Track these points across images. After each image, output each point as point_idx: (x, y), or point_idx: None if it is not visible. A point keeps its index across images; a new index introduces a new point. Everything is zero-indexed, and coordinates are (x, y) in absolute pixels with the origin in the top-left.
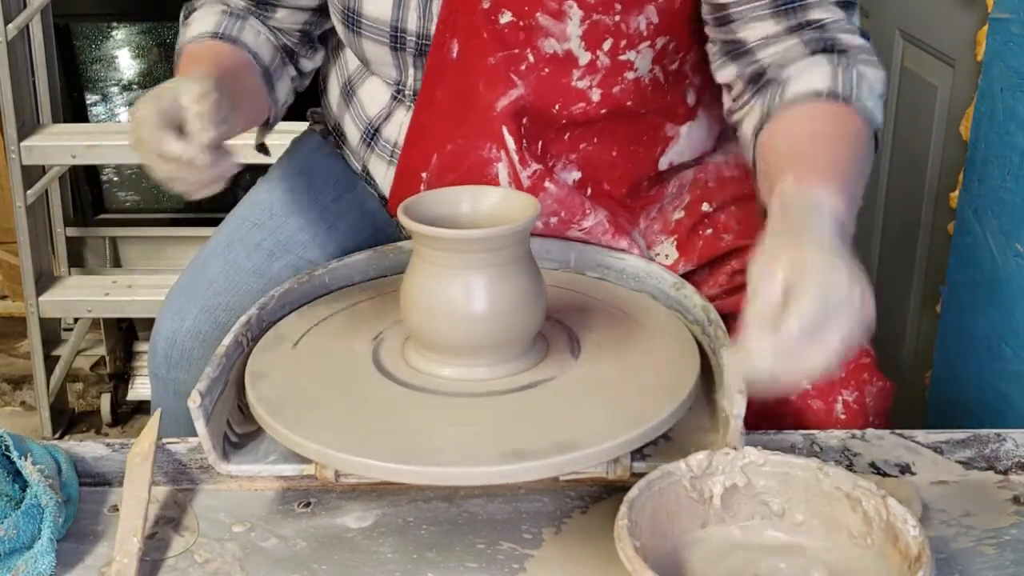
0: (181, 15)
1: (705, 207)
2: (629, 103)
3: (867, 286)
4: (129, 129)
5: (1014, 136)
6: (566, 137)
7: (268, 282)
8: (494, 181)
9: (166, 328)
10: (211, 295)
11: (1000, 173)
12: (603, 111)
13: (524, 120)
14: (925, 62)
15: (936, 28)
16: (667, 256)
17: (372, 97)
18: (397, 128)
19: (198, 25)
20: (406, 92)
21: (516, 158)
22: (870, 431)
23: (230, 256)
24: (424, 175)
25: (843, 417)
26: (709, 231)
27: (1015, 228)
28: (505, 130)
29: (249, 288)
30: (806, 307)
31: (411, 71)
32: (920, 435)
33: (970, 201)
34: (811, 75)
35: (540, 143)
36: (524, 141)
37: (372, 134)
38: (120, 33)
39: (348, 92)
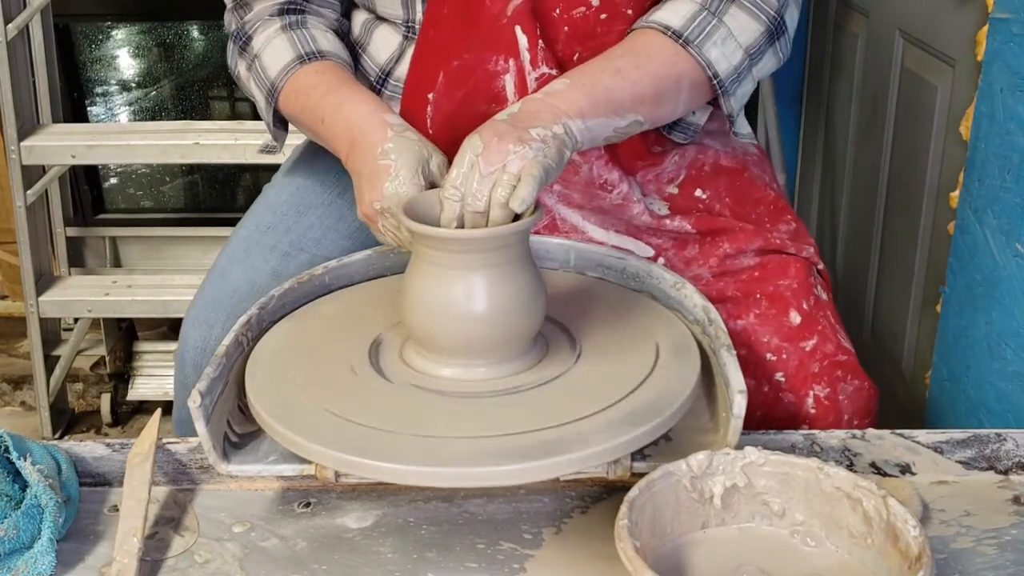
0: (231, 44)
1: (698, 192)
2: (628, 11)
3: (496, 132)
4: (387, 202)
5: (1014, 136)
6: (575, 58)
7: None
8: (501, 95)
9: (195, 338)
10: (235, 302)
11: (1000, 173)
12: (603, 15)
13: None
14: (925, 62)
15: (936, 28)
16: (659, 209)
17: (381, 46)
18: (408, 66)
19: (272, 54)
20: (416, 28)
21: (527, 57)
22: (870, 431)
23: (248, 261)
24: (431, 96)
25: (813, 411)
26: (702, 212)
27: (1015, 228)
28: (519, 29)
29: (269, 290)
30: (453, 171)
31: (419, 5)
32: (920, 435)
33: (970, 201)
34: (674, 9)
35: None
36: (540, 41)
37: (383, 79)
38: (120, 33)
39: (355, 54)
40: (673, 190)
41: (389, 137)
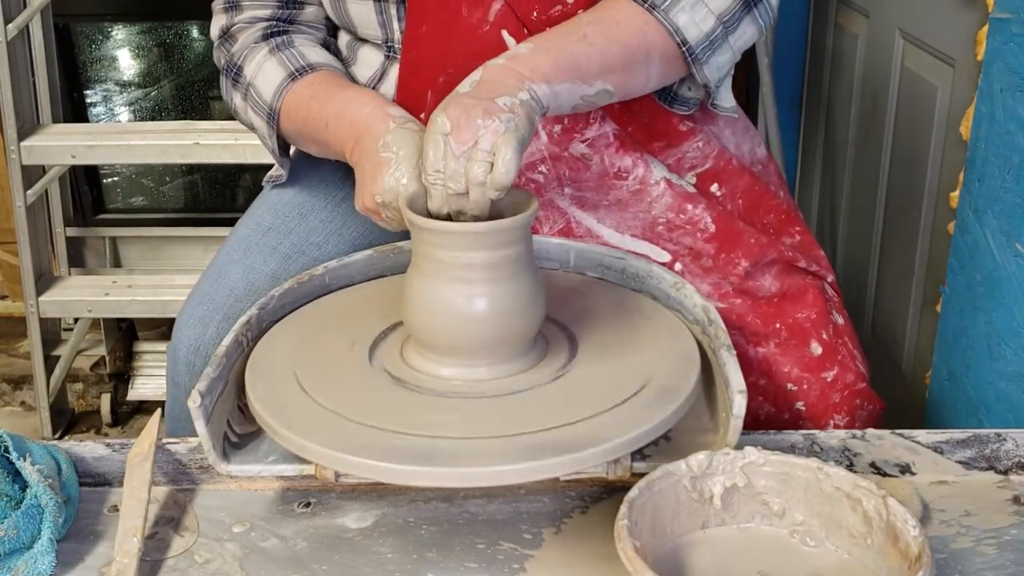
0: (224, 79)
1: (714, 188)
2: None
3: (461, 107)
4: (387, 195)
5: (1014, 136)
6: None
7: None
8: None
9: (188, 336)
10: (232, 302)
11: (1000, 173)
12: (580, 11)
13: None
14: (925, 62)
15: (936, 28)
16: (686, 186)
17: (365, 65)
18: (392, 85)
19: (265, 78)
20: (396, 47)
21: None
22: (870, 431)
23: (247, 262)
24: (423, 116)
25: None
26: (718, 208)
27: (1015, 228)
28: (506, 33)
29: (267, 291)
30: (428, 155)
31: (396, 24)
32: (920, 435)
33: (970, 201)
34: None
35: None
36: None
37: None
38: (120, 33)
39: None
40: (691, 179)
41: (391, 129)
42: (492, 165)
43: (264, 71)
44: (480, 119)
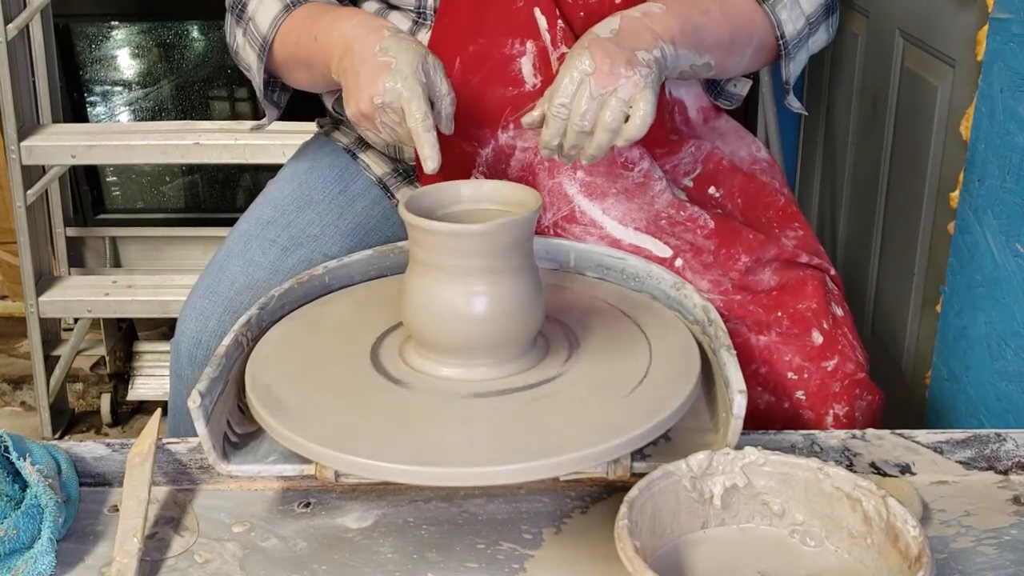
0: (229, 16)
1: (712, 190)
2: None
3: (606, 52)
4: (388, 95)
5: (1014, 136)
6: None
7: (284, 277)
8: (518, 78)
9: (191, 329)
10: (233, 295)
11: (1000, 173)
12: (617, 0)
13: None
14: (925, 62)
15: (936, 28)
16: (678, 193)
17: None
18: None
19: (263, 13)
20: (427, 13)
21: (548, 38)
22: (870, 431)
23: (247, 255)
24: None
25: (832, 428)
26: (717, 211)
27: (1015, 228)
28: (538, 11)
29: (268, 284)
30: (561, 85)
31: None
32: (920, 435)
33: (970, 201)
34: None
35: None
36: (559, 22)
37: None
38: (120, 33)
39: None
40: (688, 183)
41: (387, 36)
42: (627, 116)
43: (264, 6)
44: (623, 68)
